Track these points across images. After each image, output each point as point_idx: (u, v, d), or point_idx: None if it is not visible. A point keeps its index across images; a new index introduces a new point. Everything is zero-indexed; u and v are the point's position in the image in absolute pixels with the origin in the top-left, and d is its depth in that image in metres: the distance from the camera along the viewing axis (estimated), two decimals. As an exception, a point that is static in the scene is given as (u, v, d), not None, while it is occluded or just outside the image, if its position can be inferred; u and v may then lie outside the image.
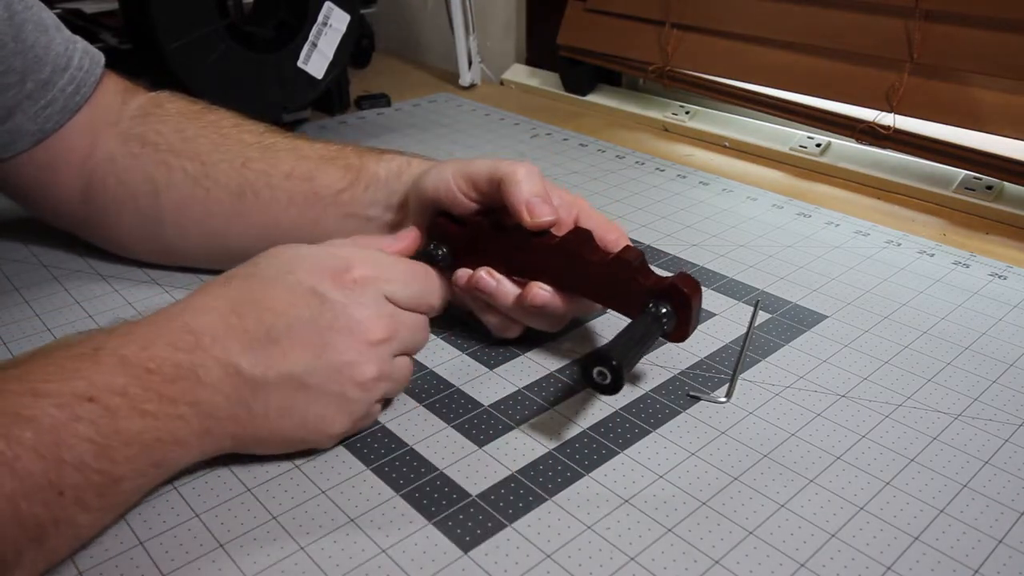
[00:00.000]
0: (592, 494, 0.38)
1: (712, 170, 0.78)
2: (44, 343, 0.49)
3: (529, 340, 0.50)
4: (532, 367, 0.48)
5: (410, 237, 0.46)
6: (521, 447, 0.41)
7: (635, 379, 0.46)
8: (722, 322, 0.52)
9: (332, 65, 0.83)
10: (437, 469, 0.40)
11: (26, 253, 0.61)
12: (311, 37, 0.81)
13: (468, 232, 0.47)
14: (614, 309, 0.46)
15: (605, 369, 0.38)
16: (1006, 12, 0.65)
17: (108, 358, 0.34)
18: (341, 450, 0.41)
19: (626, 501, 0.38)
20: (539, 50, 1.07)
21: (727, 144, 0.85)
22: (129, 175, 0.53)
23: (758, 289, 0.56)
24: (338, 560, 0.35)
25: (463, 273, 0.47)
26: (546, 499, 0.38)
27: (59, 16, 0.54)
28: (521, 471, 0.40)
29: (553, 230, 0.46)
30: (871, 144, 0.75)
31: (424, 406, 0.44)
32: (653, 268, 0.45)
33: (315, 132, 0.89)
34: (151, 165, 0.53)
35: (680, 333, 0.43)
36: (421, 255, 0.47)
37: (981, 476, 0.39)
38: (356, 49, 1.06)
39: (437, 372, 0.47)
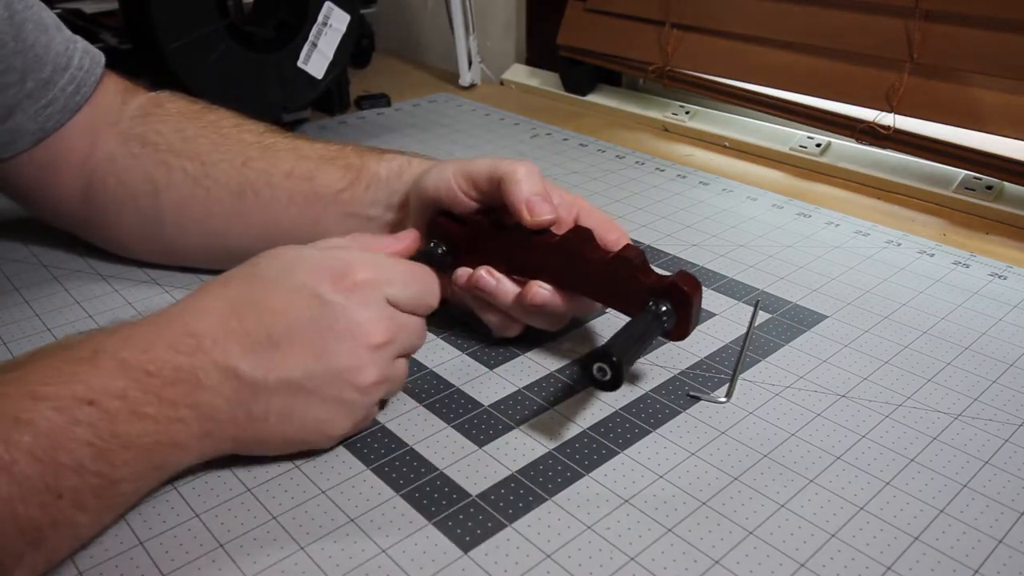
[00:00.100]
0: (592, 494, 0.38)
1: (712, 170, 0.78)
2: (44, 343, 0.49)
3: (529, 340, 0.50)
4: (532, 367, 0.48)
5: (410, 238, 0.46)
6: (521, 447, 0.41)
7: (635, 379, 0.46)
8: (722, 322, 0.52)
9: (332, 65, 0.83)
10: (437, 469, 0.40)
11: (26, 253, 0.61)
12: (311, 37, 0.81)
13: (468, 231, 0.47)
14: (614, 308, 0.46)
15: (605, 365, 0.38)
16: (1006, 12, 0.65)
17: (107, 361, 0.34)
18: (341, 450, 0.41)
19: (626, 501, 0.38)
20: (539, 50, 1.07)
21: (727, 144, 0.85)
22: (129, 175, 0.53)
23: (758, 289, 0.56)
24: (338, 560, 0.35)
25: (463, 272, 0.47)
26: (546, 499, 0.38)
27: (59, 16, 0.54)
28: (521, 471, 0.40)
29: (553, 229, 0.46)
30: (871, 144, 0.75)
31: (424, 406, 0.44)
32: (653, 267, 0.45)
33: (315, 132, 0.89)
34: (151, 165, 0.53)
35: (680, 331, 0.43)
36: (421, 254, 0.47)
37: (981, 476, 0.39)
38: (356, 49, 1.06)
39: (437, 372, 0.47)
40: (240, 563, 0.35)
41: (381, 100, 0.98)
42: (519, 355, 0.49)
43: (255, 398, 0.37)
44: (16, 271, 0.58)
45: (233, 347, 0.36)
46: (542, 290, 0.45)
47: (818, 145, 0.79)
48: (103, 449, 0.33)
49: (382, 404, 0.44)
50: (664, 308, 0.42)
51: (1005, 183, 0.69)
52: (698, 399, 0.45)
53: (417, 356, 0.48)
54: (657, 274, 0.44)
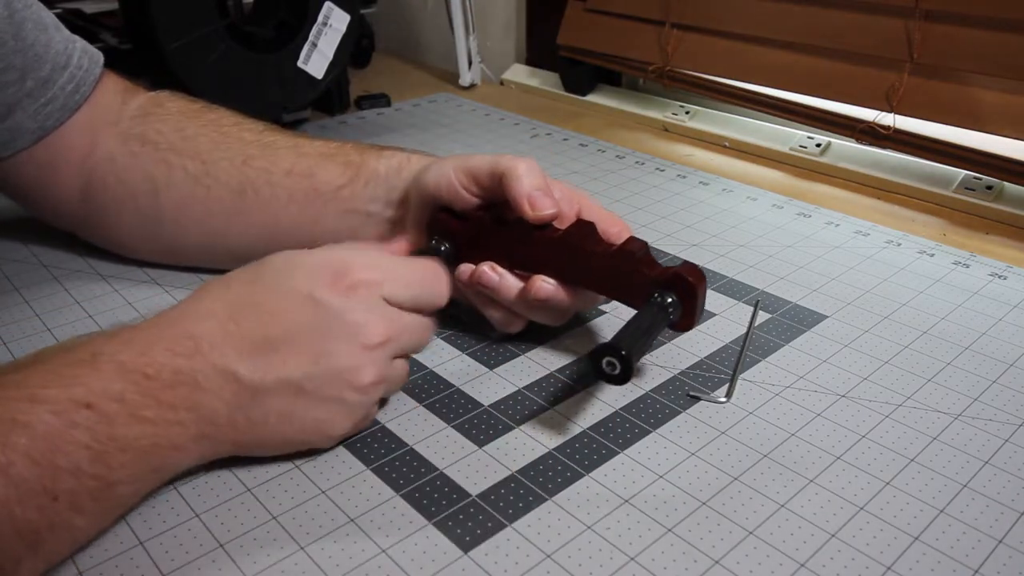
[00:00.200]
0: (592, 494, 0.38)
1: (712, 170, 0.78)
2: (44, 343, 0.50)
3: (529, 340, 0.50)
4: (532, 367, 0.48)
5: (400, 247, 0.47)
6: (521, 447, 0.41)
7: (635, 379, 0.46)
8: (722, 322, 0.52)
9: (332, 65, 0.83)
10: (437, 469, 0.40)
11: (26, 253, 0.61)
12: (311, 37, 0.81)
13: (470, 227, 0.47)
14: (619, 300, 0.46)
15: (614, 359, 0.38)
16: (1006, 12, 0.65)
17: (106, 364, 0.34)
18: (341, 450, 0.41)
19: (626, 501, 0.38)
20: (539, 50, 1.07)
21: (727, 144, 0.85)
22: (129, 174, 0.53)
23: (758, 289, 0.56)
24: (338, 560, 0.35)
25: (465, 268, 0.47)
26: (546, 499, 0.38)
27: (59, 16, 0.54)
28: (521, 471, 0.40)
29: (555, 223, 0.46)
30: (871, 144, 0.75)
31: (424, 406, 0.44)
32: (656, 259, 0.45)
33: (315, 132, 0.89)
34: (151, 164, 0.53)
35: (686, 322, 0.43)
36: (423, 252, 0.47)
37: (981, 476, 0.39)
38: (356, 49, 1.06)
39: (437, 372, 0.47)
40: (240, 563, 0.35)
41: (381, 100, 0.98)
42: (519, 355, 0.49)
43: (254, 400, 0.37)
44: (16, 271, 0.58)
45: (231, 350, 0.36)
46: (546, 284, 0.45)
47: (818, 145, 0.79)
48: (101, 452, 0.33)
49: (382, 403, 0.44)
50: (669, 300, 0.42)
51: (1005, 183, 0.69)
52: (698, 399, 0.45)
53: (417, 356, 0.48)
54: (661, 266, 0.44)
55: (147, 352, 0.35)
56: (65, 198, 0.55)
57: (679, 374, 0.47)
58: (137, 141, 0.54)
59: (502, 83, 1.09)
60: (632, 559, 0.35)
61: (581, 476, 0.39)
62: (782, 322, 0.52)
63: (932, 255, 0.61)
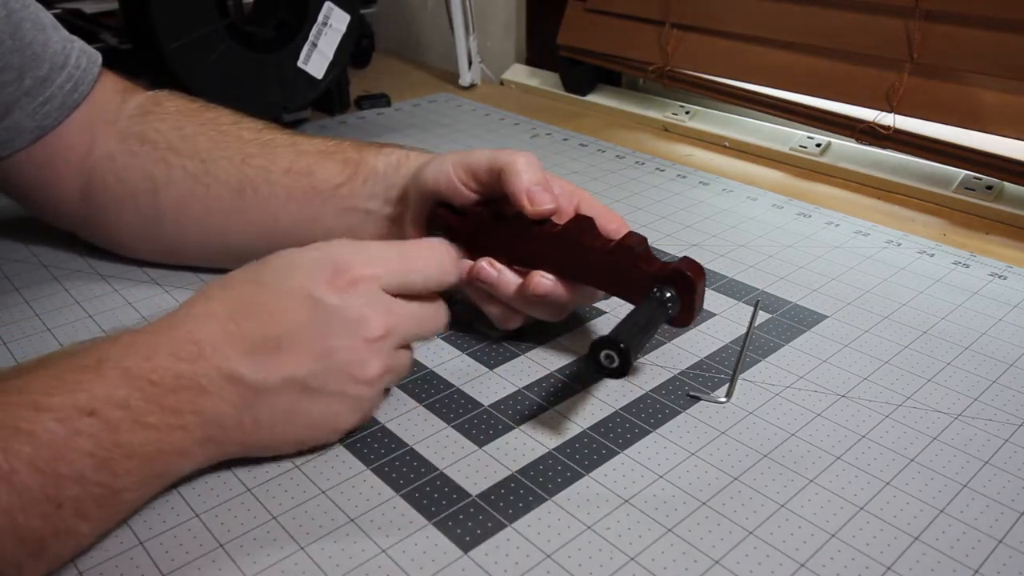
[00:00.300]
0: (592, 494, 0.38)
1: (712, 170, 0.78)
2: (44, 343, 0.50)
3: (529, 340, 0.50)
4: (532, 367, 0.48)
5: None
6: (521, 447, 0.41)
7: (635, 379, 0.46)
8: (722, 322, 0.52)
9: (332, 65, 0.83)
10: (437, 469, 0.40)
11: (26, 253, 0.61)
12: (311, 37, 0.81)
13: (468, 222, 0.47)
14: (618, 296, 0.46)
15: (613, 352, 0.38)
16: (1006, 12, 0.65)
17: (111, 370, 0.34)
18: (341, 450, 0.41)
19: (626, 501, 0.38)
20: (539, 50, 1.07)
21: (727, 144, 0.85)
22: (128, 173, 0.53)
23: (758, 289, 0.56)
24: (338, 560, 0.35)
25: (464, 264, 0.47)
26: (546, 499, 0.38)
27: (59, 16, 0.54)
28: (521, 471, 0.40)
29: (554, 219, 0.46)
30: (871, 144, 0.75)
31: (424, 406, 0.44)
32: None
33: (315, 132, 0.88)
34: (150, 163, 0.53)
35: (685, 317, 0.43)
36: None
37: (981, 476, 0.39)
38: (356, 49, 1.06)
39: (437, 372, 0.47)
40: (240, 563, 0.35)
41: (381, 100, 0.98)
42: (519, 355, 0.49)
43: (259, 401, 0.37)
44: (16, 271, 0.58)
45: (234, 352, 0.36)
46: (544, 280, 0.45)
47: (818, 145, 0.79)
48: (105, 459, 0.33)
49: (385, 393, 0.44)
50: (668, 294, 0.42)
51: (1005, 183, 0.69)
52: (698, 399, 0.45)
53: (417, 356, 0.48)
54: (660, 261, 0.44)
55: (151, 357, 0.35)
56: (65, 198, 0.55)
57: (679, 374, 0.47)
58: (136, 140, 0.54)
59: (502, 83, 1.09)
60: (632, 559, 0.35)
61: (581, 476, 0.39)
62: (782, 322, 0.52)
63: (932, 255, 0.61)
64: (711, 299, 0.55)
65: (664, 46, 0.88)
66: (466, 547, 0.35)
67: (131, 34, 0.81)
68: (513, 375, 0.47)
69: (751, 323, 0.50)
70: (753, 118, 0.86)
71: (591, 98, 0.99)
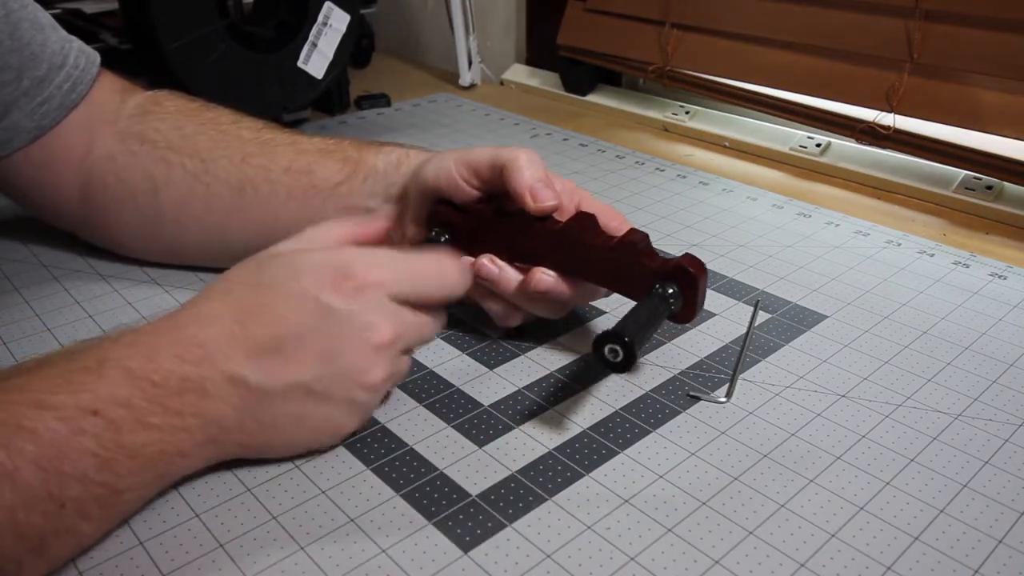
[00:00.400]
0: (592, 494, 0.38)
1: (712, 170, 0.78)
2: (44, 343, 0.50)
3: (529, 339, 0.50)
4: (532, 367, 0.48)
5: (378, 222, 0.46)
6: (521, 447, 0.41)
7: (635, 379, 0.46)
8: (722, 322, 0.52)
9: (332, 65, 0.83)
10: (437, 469, 0.40)
11: (26, 253, 0.61)
12: (311, 37, 0.81)
13: (470, 219, 0.47)
14: (620, 292, 0.46)
15: (617, 346, 0.38)
16: (1006, 12, 0.65)
17: (113, 370, 0.34)
18: (341, 450, 0.41)
19: (626, 501, 0.38)
20: (539, 50, 1.07)
21: (727, 144, 0.85)
22: (128, 173, 0.53)
23: (758, 289, 0.56)
24: (338, 560, 0.35)
25: (465, 261, 0.47)
26: (546, 499, 0.38)
27: (59, 16, 0.54)
28: (521, 471, 0.40)
29: (556, 215, 0.46)
30: (871, 144, 0.75)
31: (424, 406, 0.44)
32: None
33: (315, 132, 0.88)
34: (150, 163, 0.53)
35: (687, 313, 0.43)
36: (423, 244, 0.47)
37: (981, 476, 0.39)
38: (356, 49, 1.06)
39: (437, 372, 0.47)
40: (240, 563, 0.35)
41: (381, 100, 0.98)
42: (519, 355, 0.49)
43: (262, 404, 0.37)
44: (16, 271, 0.58)
45: (237, 355, 0.36)
46: (546, 276, 0.45)
47: (818, 145, 0.79)
48: (108, 459, 0.33)
49: (384, 397, 0.44)
50: (671, 290, 0.42)
51: (1005, 183, 0.69)
52: (698, 399, 0.45)
53: (417, 356, 0.48)
54: (662, 257, 0.44)
55: (154, 358, 0.35)
56: (64, 198, 0.55)
57: (679, 374, 0.47)
58: (136, 140, 0.54)
59: (502, 83, 1.09)
60: (632, 559, 0.35)
61: (581, 476, 0.39)
62: (782, 322, 0.52)
63: (932, 255, 0.61)
64: (711, 299, 0.55)
65: (664, 46, 0.88)
66: (466, 547, 0.35)
67: (131, 34, 0.81)
68: (513, 375, 0.47)
69: (751, 323, 0.50)
70: (753, 118, 0.86)
71: (591, 98, 0.99)
